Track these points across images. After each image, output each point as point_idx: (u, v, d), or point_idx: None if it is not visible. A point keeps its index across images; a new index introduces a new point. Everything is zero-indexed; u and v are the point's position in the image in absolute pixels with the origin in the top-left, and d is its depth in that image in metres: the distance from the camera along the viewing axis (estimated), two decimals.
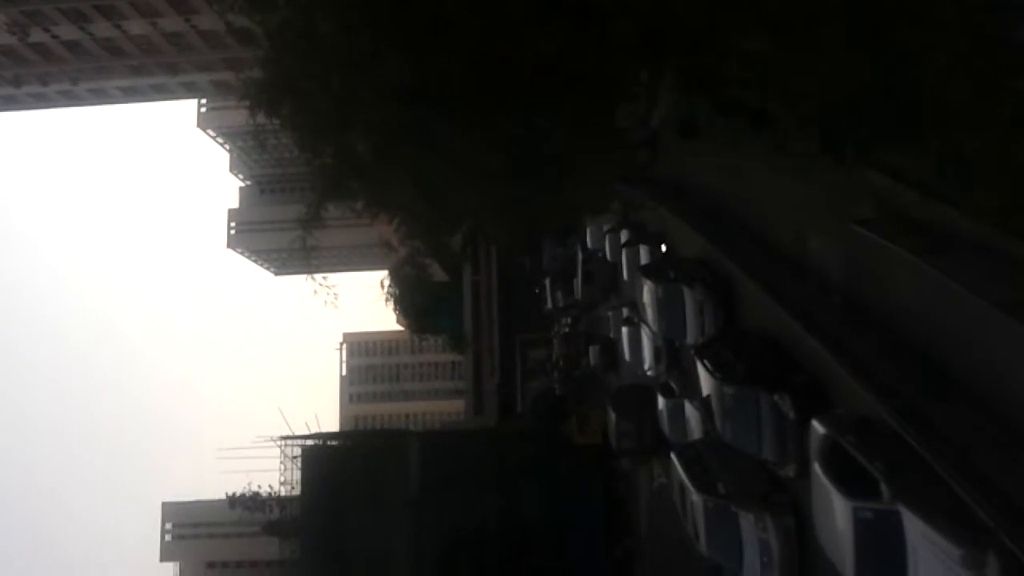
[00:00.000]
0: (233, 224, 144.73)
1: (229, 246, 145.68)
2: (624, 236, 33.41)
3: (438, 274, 63.64)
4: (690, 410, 25.01)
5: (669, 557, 32.29)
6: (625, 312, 33.30)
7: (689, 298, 23.33)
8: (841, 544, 13.79)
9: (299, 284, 23.75)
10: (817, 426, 15.08)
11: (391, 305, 72.61)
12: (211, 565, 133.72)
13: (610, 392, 37.19)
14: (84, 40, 62.71)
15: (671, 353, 28.11)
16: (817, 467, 14.68)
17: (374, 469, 43.29)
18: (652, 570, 36.07)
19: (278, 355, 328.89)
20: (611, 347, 37.76)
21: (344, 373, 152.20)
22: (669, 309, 24.36)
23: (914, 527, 11.98)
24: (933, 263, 12.89)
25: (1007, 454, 11.07)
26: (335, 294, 21.79)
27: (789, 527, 18.60)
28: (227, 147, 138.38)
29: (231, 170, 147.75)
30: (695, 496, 20.76)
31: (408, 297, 68.31)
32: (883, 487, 12.62)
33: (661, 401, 27.40)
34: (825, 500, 14.39)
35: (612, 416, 33.34)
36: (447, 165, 16.67)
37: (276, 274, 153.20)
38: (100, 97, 73.81)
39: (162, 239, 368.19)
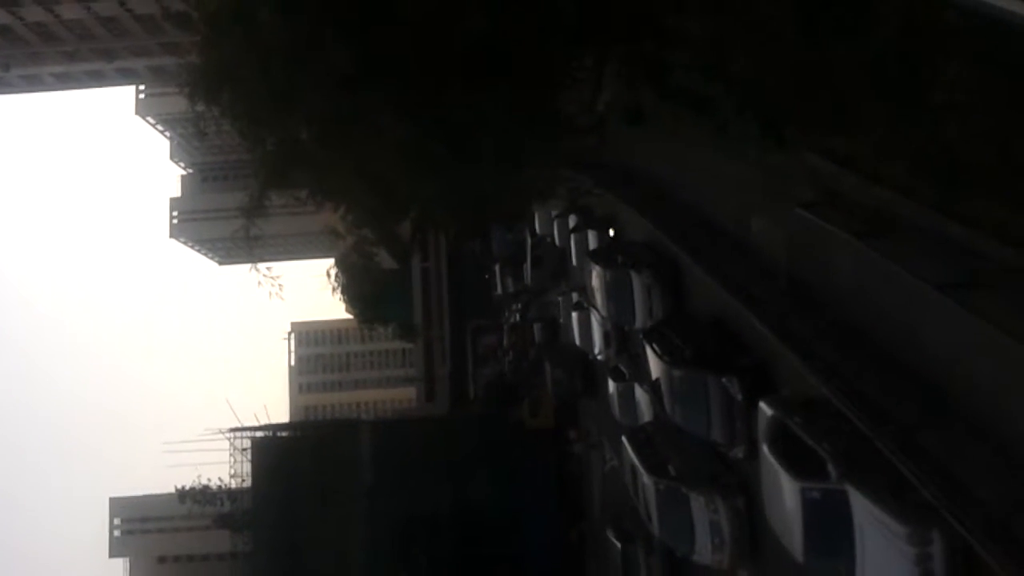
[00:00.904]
0: (175, 213, 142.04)
1: (171, 235, 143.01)
2: (572, 221, 33.48)
3: (386, 262, 63.12)
4: (640, 393, 25.20)
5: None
6: (575, 297, 33.42)
7: (637, 283, 23.47)
8: (790, 523, 14.02)
9: (244, 274, 23.52)
10: (764, 408, 15.28)
11: (338, 294, 71.96)
12: (162, 559, 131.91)
13: (547, 349, 40.53)
14: (15, 25, 60.83)
15: (620, 337, 28.29)
16: (765, 448, 14.89)
17: (326, 459, 42.94)
18: (605, 556, 36.36)
19: (225, 346, 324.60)
20: (553, 325, 40.40)
21: (293, 363, 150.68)
22: (617, 294, 24.49)
23: (861, 506, 12.20)
24: (873, 245, 13.09)
25: (950, 433, 11.29)
26: (280, 285, 21.49)
27: (739, 507, 18.86)
28: (167, 135, 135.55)
29: (172, 158, 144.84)
30: (646, 478, 20.94)
31: (356, 286, 67.71)
32: (830, 467, 12.83)
33: (611, 385, 27.55)
34: (774, 481, 14.61)
35: (548, 367, 37.85)
36: (391, 152, 16.47)
37: (220, 263, 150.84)
38: (33, 84, 71.76)
39: (102, 229, 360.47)
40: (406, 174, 17.41)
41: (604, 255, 26.66)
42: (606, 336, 29.16)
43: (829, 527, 12.81)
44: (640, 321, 23.63)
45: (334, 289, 71.70)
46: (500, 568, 34.85)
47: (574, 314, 32.76)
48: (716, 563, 19.49)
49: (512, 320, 51.58)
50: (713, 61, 13.65)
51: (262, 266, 21.13)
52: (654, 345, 20.64)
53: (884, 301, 13.36)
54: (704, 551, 19.43)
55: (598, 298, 26.53)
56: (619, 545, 27.17)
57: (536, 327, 43.62)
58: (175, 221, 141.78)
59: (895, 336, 13.06)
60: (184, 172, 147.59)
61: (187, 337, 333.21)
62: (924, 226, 12.66)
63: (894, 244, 12.89)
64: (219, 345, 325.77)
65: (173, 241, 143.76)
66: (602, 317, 28.30)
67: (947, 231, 12.20)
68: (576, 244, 32.17)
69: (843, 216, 14.06)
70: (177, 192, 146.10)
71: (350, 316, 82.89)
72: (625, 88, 17.69)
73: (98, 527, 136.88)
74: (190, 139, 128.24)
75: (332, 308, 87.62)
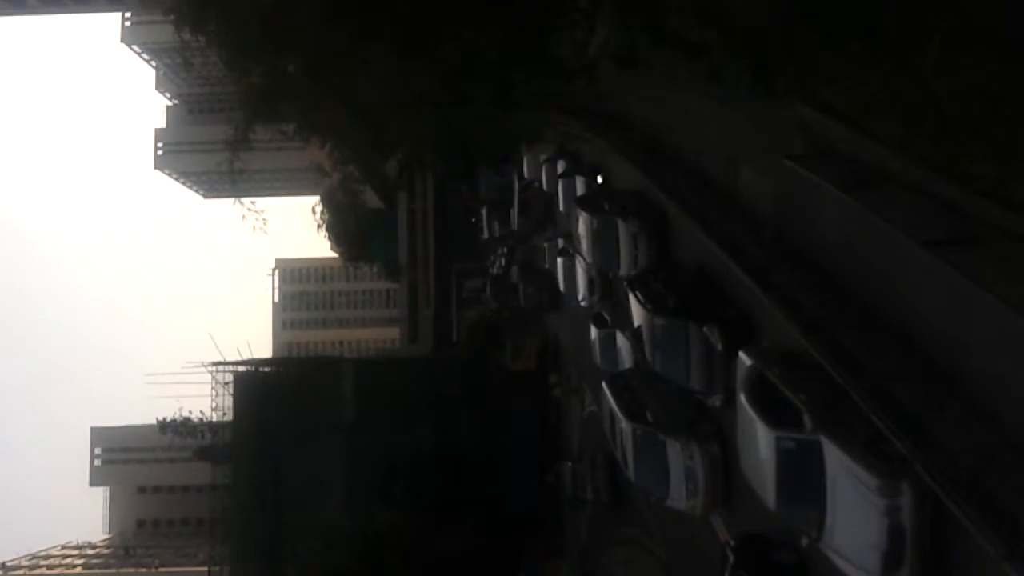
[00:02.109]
0: (160, 144, 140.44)
1: (156, 167, 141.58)
2: (560, 167, 33.27)
3: (372, 201, 62.74)
4: (621, 340, 25.33)
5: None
6: (560, 243, 33.37)
7: (623, 230, 23.42)
8: (763, 472, 14.21)
9: (229, 208, 23.23)
10: (744, 358, 15.38)
11: (323, 232, 71.60)
12: (142, 490, 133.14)
13: (521, 268, 42.85)
14: None
15: (604, 284, 28.32)
16: (742, 397, 15.01)
17: (308, 395, 43.15)
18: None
19: (209, 280, 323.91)
20: (531, 266, 41.69)
21: (277, 299, 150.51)
22: (603, 241, 24.46)
23: (834, 457, 12.36)
24: (861, 199, 13.06)
25: (926, 388, 11.40)
26: (264, 219, 21.36)
27: (714, 455, 19.09)
28: (153, 64, 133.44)
29: (157, 88, 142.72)
30: (624, 424, 21.13)
31: (341, 224, 67.34)
32: (805, 418, 12.96)
33: (593, 331, 27.67)
34: (749, 429, 14.76)
35: (521, 286, 41.08)
36: (380, 88, 16.25)
37: (205, 197, 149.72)
38: (17, 7, 70.24)
39: (86, 157, 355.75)
40: (394, 111, 17.22)
41: (591, 202, 26.55)
42: (590, 283, 29.19)
43: (802, 476, 12.98)
44: (625, 269, 23.64)
45: (319, 226, 71.36)
46: (478, 508, 35.28)
47: (559, 260, 32.74)
48: (690, 508, 19.77)
49: (496, 270, 51.51)
50: (708, 6, 13.45)
51: (246, 200, 20.98)
52: (637, 293, 20.68)
53: (869, 256, 13.39)
54: (678, 496, 19.69)
55: (584, 245, 26.50)
56: (568, 463, 33.22)
57: (514, 270, 44.32)
58: (160, 152, 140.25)
59: (878, 291, 13.12)
60: (170, 103, 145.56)
61: (171, 270, 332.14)
62: (913, 182, 12.65)
63: (882, 199, 12.88)
64: (203, 279, 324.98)
65: (158, 173, 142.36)
66: (587, 264, 28.30)
67: (935, 188, 12.19)
68: (564, 190, 32.01)
69: (832, 169, 14.02)
70: (162, 123, 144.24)
71: (335, 254, 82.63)
72: (618, 31, 17.43)
73: (79, 456, 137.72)
74: (176, 69, 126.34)
75: (317, 246, 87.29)
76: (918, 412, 11.06)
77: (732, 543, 17.38)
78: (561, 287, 32.82)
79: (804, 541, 13.45)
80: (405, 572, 30.37)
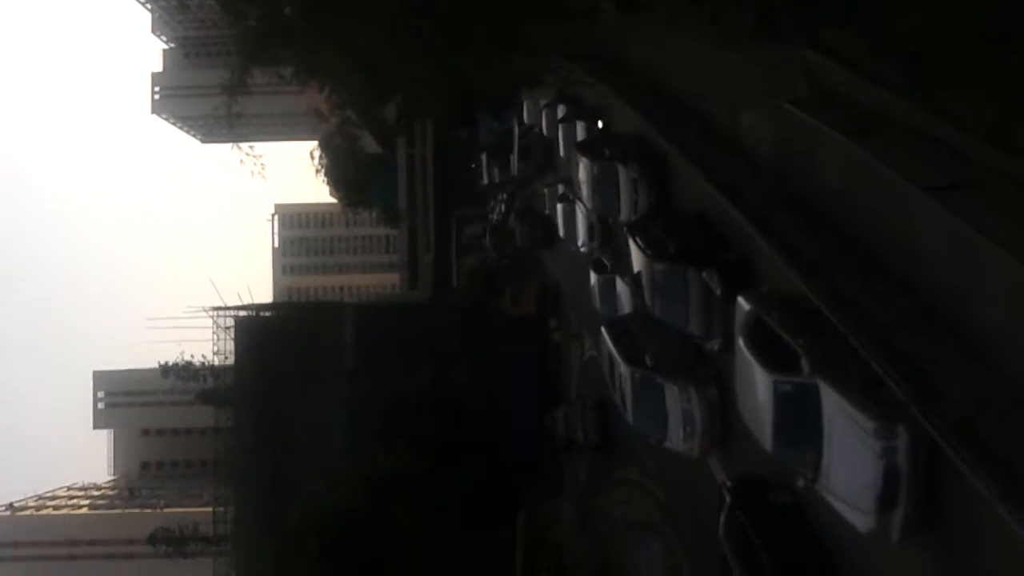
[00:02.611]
0: (157, 88, 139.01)
1: (153, 111, 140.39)
2: (561, 112, 32.98)
3: (371, 146, 62.33)
4: (621, 286, 25.38)
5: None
6: (560, 189, 33.23)
7: (623, 176, 23.32)
8: (761, 415, 14.35)
9: (227, 153, 23.15)
10: (743, 302, 15.44)
11: (322, 177, 71.32)
12: (145, 432, 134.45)
13: (519, 210, 43.95)
14: None
15: (604, 230, 28.29)
16: (741, 342, 15.10)
17: (308, 340, 43.33)
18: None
19: (208, 225, 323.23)
20: (529, 210, 42.44)
21: (276, 245, 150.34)
22: (603, 186, 24.37)
23: (831, 400, 12.47)
24: (863, 145, 12.99)
25: (924, 333, 11.46)
26: (262, 164, 21.30)
27: (712, 398, 19.27)
28: (149, 6, 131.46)
29: (153, 31, 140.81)
30: (623, 368, 21.27)
31: (340, 169, 67.03)
32: (803, 362, 13.04)
33: (593, 277, 27.72)
34: (747, 373, 14.88)
35: (517, 225, 42.28)
36: (378, 31, 16.06)
37: (203, 142, 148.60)
38: None
39: (83, 103, 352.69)
40: (393, 54, 17.03)
41: (592, 147, 26.38)
42: (590, 229, 29.15)
43: (799, 419, 13.12)
44: (625, 214, 23.59)
45: (317, 171, 71.14)
46: (479, 452, 35.68)
47: (559, 206, 32.64)
48: (687, 451, 20.03)
49: (495, 216, 51.33)
50: None
51: (244, 145, 20.90)
52: (637, 239, 20.67)
53: (870, 202, 13.36)
54: (676, 439, 19.93)
55: (584, 190, 26.40)
56: (561, 409, 35.14)
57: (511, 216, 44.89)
58: (157, 97, 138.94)
59: (879, 237, 13.11)
60: (166, 46, 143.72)
61: (170, 215, 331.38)
62: (915, 127, 12.56)
63: (884, 144, 12.80)
64: (203, 224, 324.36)
65: (155, 117, 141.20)
66: (587, 209, 28.23)
67: (938, 133, 12.12)
68: (564, 135, 31.78)
69: (834, 114, 13.92)
70: (159, 67, 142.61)
71: (334, 200, 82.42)
72: None
73: (82, 400, 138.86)
74: (172, 12, 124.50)
75: (316, 191, 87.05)
76: (916, 357, 11.14)
77: (729, 484, 17.63)
78: (561, 232, 32.80)
79: (800, 482, 13.64)
80: (407, 513, 30.82)
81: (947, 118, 11.91)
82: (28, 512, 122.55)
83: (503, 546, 34.12)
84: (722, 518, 16.79)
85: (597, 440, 31.37)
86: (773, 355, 13.85)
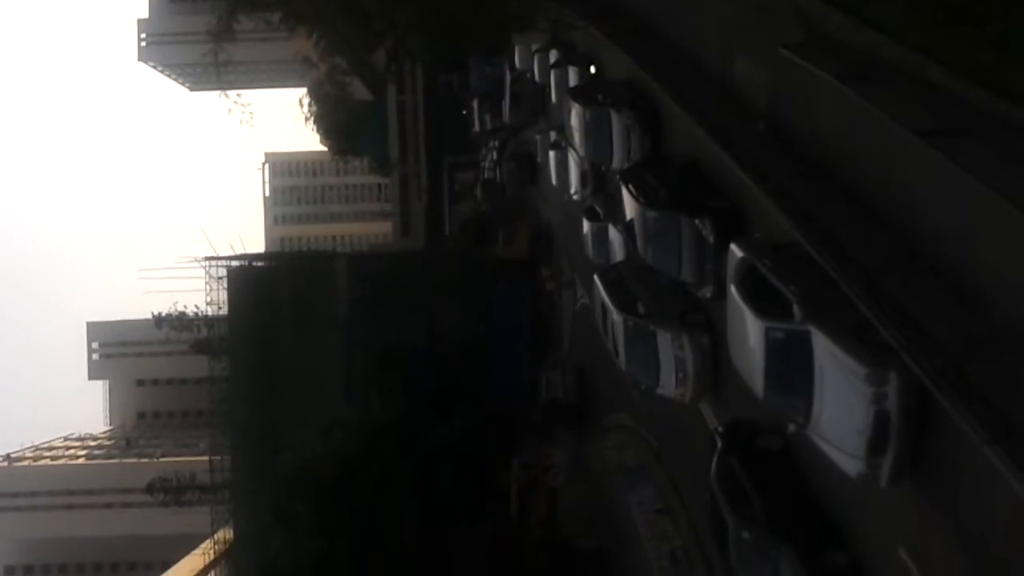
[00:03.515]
0: (143, 35, 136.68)
1: (140, 59, 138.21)
2: (553, 57, 32.60)
3: (360, 92, 61.56)
4: (614, 233, 25.34)
5: (589, 375, 33.67)
6: (553, 136, 33.00)
7: (616, 122, 23.15)
8: (752, 361, 14.42)
9: (216, 101, 22.87)
10: (735, 249, 15.42)
11: (312, 125, 70.60)
12: (140, 382, 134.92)
13: (506, 153, 45.84)
14: None
15: (597, 177, 28.16)
16: (733, 289, 15.12)
17: (301, 290, 43.33)
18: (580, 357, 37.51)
19: (198, 174, 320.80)
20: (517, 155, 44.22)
21: (267, 194, 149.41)
22: (596, 133, 24.20)
23: (822, 346, 12.52)
24: (857, 89, 12.88)
25: (915, 279, 11.49)
26: (250, 113, 21.07)
27: (704, 345, 19.37)
28: None
29: None
30: (615, 315, 21.35)
31: (330, 117, 66.33)
32: (795, 308, 13.07)
33: (586, 225, 27.66)
34: (739, 320, 14.92)
35: (507, 165, 44.82)
36: None
37: (191, 89, 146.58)
38: None
39: (68, 49, 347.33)
40: None
41: (584, 93, 26.14)
42: (583, 176, 29.02)
43: (790, 366, 13.18)
44: (617, 161, 23.47)
45: (307, 119, 70.35)
46: (472, 398, 35.92)
47: (551, 153, 32.44)
48: (679, 396, 20.18)
49: (487, 164, 51.05)
50: None
51: (232, 93, 20.64)
52: (630, 186, 20.59)
53: (864, 147, 13.30)
54: (668, 385, 20.07)
55: (576, 137, 26.23)
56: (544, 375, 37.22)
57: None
58: (143, 44, 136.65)
59: (872, 182, 13.08)
60: None
61: (160, 164, 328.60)
62: (910, 71, 12.46)
63: (878, 89, 12.70)
64: (193, 174, 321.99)
65: (142, 65, 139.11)
66: (579, 156, 28.07)
67: (933, 77, 12.02)
68: (556, 81, 31.46)
69: (828, 58, 13.78)
70: (145, 13, 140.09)
71: (324, 148, 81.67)
72: None
73: (77, 351, 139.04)
74: None
75: (306, 139, 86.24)
76: (907, 302, 11.17)
77: (720, 429, 17.82)
78: (553, 180, 32.66)
79: (791, 428, 13.77)
80: (401, 460, 31.09)
81: (942, 62, 11.79)
82: (26, 463, 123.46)
83: (497, 492, 34.53)
84: (713, 462, 16.98)
85: (575, 400, 34.46)
86: (765, 302, 13.88)
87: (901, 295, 11.33)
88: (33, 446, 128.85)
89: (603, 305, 22.43)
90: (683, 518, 23.41)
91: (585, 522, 32.46)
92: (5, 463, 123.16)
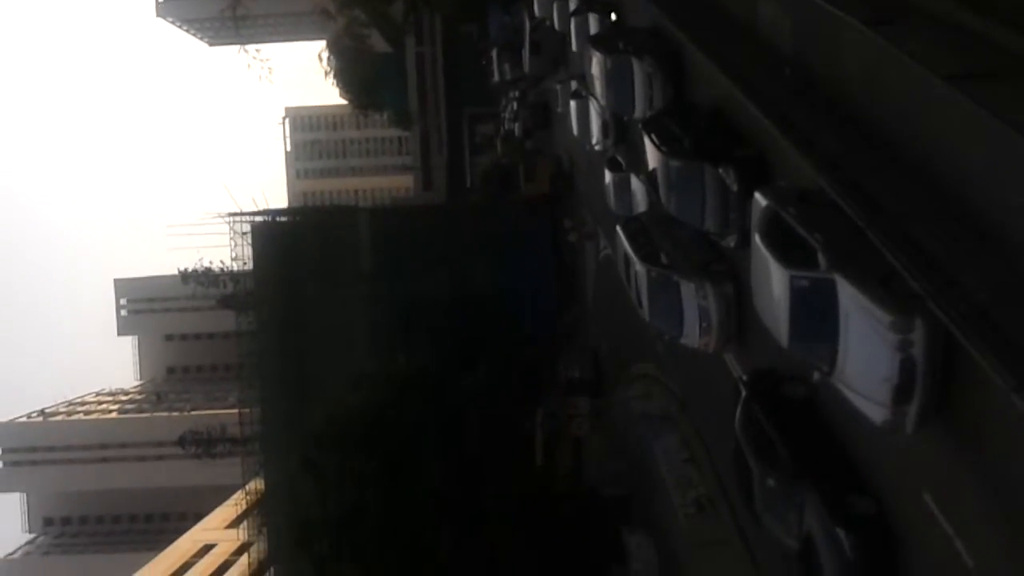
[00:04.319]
0: None
1: (158, 15, 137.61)
2: (573, 4, 32.18)
3: (379, 45, 61.17)
4: (636, 184, 25.22)
5: (612, 325, 33.78)
6: (573, 85, 32.70)
7: (638, 70, 22.88)
8: (777, 311, 14.39)
9: (235, 56, 22.87)
10: (759, 198, 15.31)
11: (331, 79, 70.30)
12: (169, 337, 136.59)
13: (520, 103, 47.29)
14: None
15: (619, 127, 27.94)
16: (757, 238, 15.05)
17: (325, 244, 43.59)
18: (596, 340, 37.77)
19: (221, 130, 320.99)
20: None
21: (288, 149, 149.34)
22: (617, 82, 23.95)
23: (848, 295, 12.47)
24: (883, 33, 12.66)
25: (941, 224, 11.38)
26: (269, 68, 20.99)
27: (728, 294, 19.33)
28: None
29: None
30: (638, 266, 21.30)
31: (349, 71, 66.01)
32: (820, 257, 13.01)
33: (608, 175, 27.52)
34: (764, 269, 14.87)
35: (522, 113, 46.33)
36: None
37: (211, 44, 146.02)
38: None
39: (87, 8, 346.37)
40: None
41: (605, 41, 25.81)
42: (604, 126, 28.79)
43: (815, 314, 13.14)
44: (639, 110, 23.24)
45: (327, 73, 70.03)
46: (497, 349, 36.22)
47: (572, 103, 32.17)
48: (703, 346, 20.20)
49: (508, 115, 50.73)
50: None
51: (251, 47, 20.62)
52: (652, 135, 20.42)
53: (890, 92, 13.10)
54: (692, 335, 20.08)
55: (597, 86, 25.96)
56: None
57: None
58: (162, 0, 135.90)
59: (898, 128, 12.91)
60: None
61: (181, 122, 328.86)
62: (938, 15, 12.22)
63: (905, 32, 12.48)
64: (214, 130, 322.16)
65: (161, 20, 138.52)
66: (601, 106, 27.82)
67: (960, 19, 11.79)
68: (576, 29, 31.07)
69: (854, 2, 13.53)
70: None
71: (344, 101, 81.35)
72: None
73: (105, 308, 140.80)
74: None
75: (326, 93, 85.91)
76: (933, 248, 11.08)
77: (744, 378, 17.88)
78: (574, 131, 32.44)
79: (816, 376, 13.78)
80: (428, 409, 31.46)
81: (969, 3, 11.56)
82: (59, 418, 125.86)
83: (524, 440, 34.94)
84: (737, 411, 17.07)
85: (590, 376, 36.31)
86: (790, 250, 13.81)
87: (927, 242, 11.24)
88: (66, 401, 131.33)
89: (626, 256, 22.39)
90: (708, 466, 23.63)
91: (610, 471, 32.82)
92: (40, 418, 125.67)
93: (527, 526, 29.16)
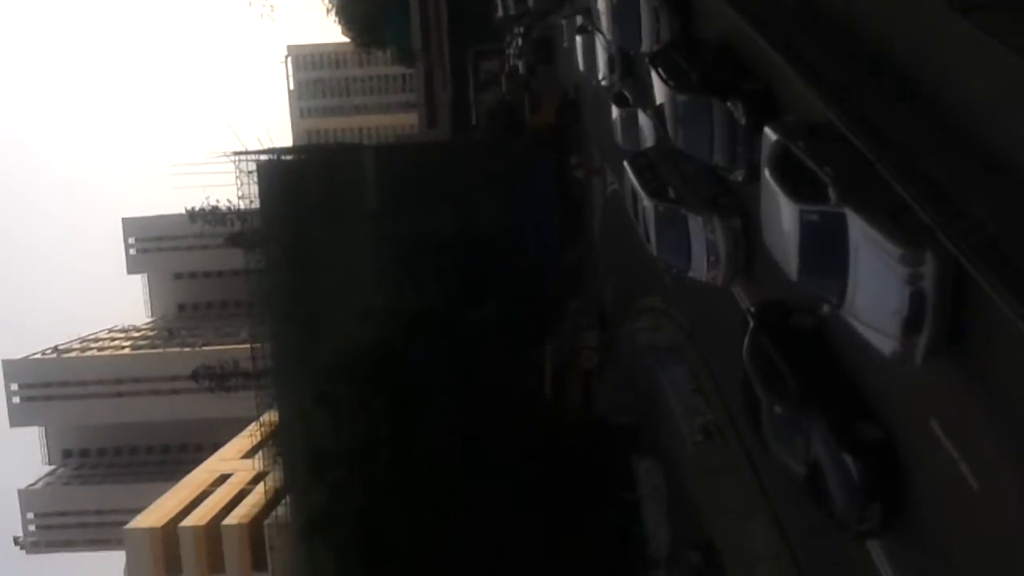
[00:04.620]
0: None
1: None
2: None
3: None
4: (643, 119, 25.13)
5: (620, 260, 33.95)
6: (579, 20, 32.31)
7: (644, 4, 22.61)
8: (786, 245, 14.48)
9: None
10: (768, 132, 15.31)
11: (333, 16, 69.42)
12: (178, 276, 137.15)
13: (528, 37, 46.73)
14: None
15: (625, 62, 27.71)
16: (767, 172, 15.10)
17: (331, 182, 43.48)
18: (604, 275, 37.96)
19: (223, 69, 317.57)
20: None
21: (292, 87, 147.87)
22: (624, 16, 23.70)
23: (858, 228, 12.53)
24: None
25: (950, 157, 11.42)
26: (271, 5, 20.81)
27: (736, 227, 19.43)
28: None
29: None
30: (646, 201, 21.36)
31: (351, 7, 65.13)
32: (830, 190, 13.07)
33: (615, 111, 27.40)
34: (773, 203, 14.95)
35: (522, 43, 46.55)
36: None
37: None
38: None
39: None
40: None
41: None
42: (610, 61, 28.53)
43: (825, 248, 13.23)
44: (646, 45, 23.02)
45: (328, 10, 69.16)
46: (504, 285, 36.40)
47: (578, 38, 31.83)
48: (711, 279, 20.38)
49: (512, 51, 50.10)
50: None
51: None
52: (659, 70, 20.31)
53: (898, 22, 13.04)
54: (700, 268, 20.24)
55: (603, 21, 25.71)
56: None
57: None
58: None
59: (907, 60, 12.86)
60: None
61: (185, 61, 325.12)
62: None
63: None
64: (217, 69, 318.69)
65: None
66: (607, 41, 27.55)
67: None
68: None
69: None
70: None
71: (347, 39, 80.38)
72: None
73: (114, 247, 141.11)
74: None
75: (328, 31, 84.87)
76: (942, 180, 11.15)
77: (752, 310, 18.09)
78: (580, 67, 32.16)
79: (825, 309, 13.96)
80: (435, 344, 31.75)
81: None
82: (74, 354, 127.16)
83: (532, 375, 35.36)
84: (746, 342, 17.31)
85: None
86: (799, 184, 13.88)
87: (936, 174, 11.30)
88: (79, 338, 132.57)
89: (633, 191, 22.43)
90: (715, 396, 24.02)
91: (619, 402, 33.31)
92: (54, 355, 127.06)
93: (536, 456, 29.67)
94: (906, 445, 13.95)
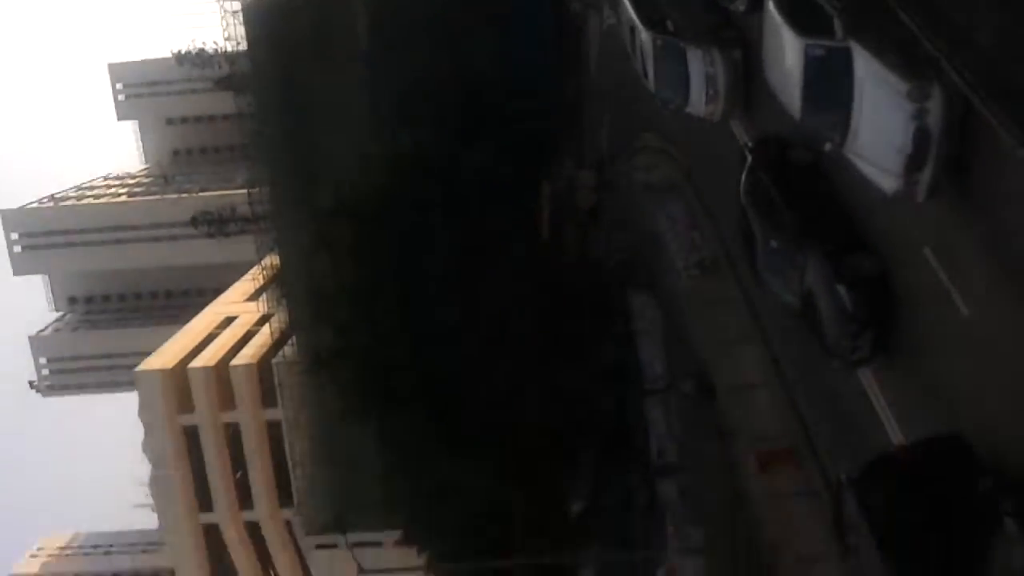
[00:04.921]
0: None
1: None
2: None
3: None
4: None
5: (616, 98, 33.36)
6: None
7: None
8: (789, 80, 14.17)
9: None
10: None
11: None
12: (170, 121, 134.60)
13: None
14: None
15: None
16: (771, 4, 14.61)
17: (320, 22, 42.01)
18: (600, 113, 37.35)
19: None
20: None
21: None
22: None
23: (864, 63, 12.26)
24: None
25: None
26: None
27: (736, 60, 19.00)
28: None
29: None
30: (644, 34, 20.79)
31: None
32: (836, 25, 12.69)
33: None
34: (776, 38, 14.53)
35: None
36: None
37: None
38: None
39: None
40: None
41: None
42: None
43: (829, 84, 12.93)
44: None
45: None
46: (501, 125, 35.79)
47: None
48: (708, 114, 20.12)
49: None
50: None
51: None
52: None
53: None
54: (698, 103, 19.93)
55: None
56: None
57: None
58: None
59: None
60: None
61: None
62: None
63: None
64: None
65: None
66: None
67: None
68: None
69: None
70: None
71: None
72: None
73: (102, 94, 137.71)
74: None
75: None
76: (949, 11, 10.86)
77: (750, 144, 17.95)
78: None
79: (827, 146, 13.77)
80: (431, 186, 31.64)
81: None
82: (70, 202, 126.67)
83: (530, 214, 35.36)
84: (743, 177, 17.27)
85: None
86: (804, 18, 13.44)
87: (942, 4, 10.99)
88: (75, 186, 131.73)
89: (630, 24, 21.78)
90: (711, 231, 24.17)
91: (616, 241, 33.54)
92: (50, 203, 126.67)
93: (534, 297, 30.09)
94: (898, 276, 14.18)
